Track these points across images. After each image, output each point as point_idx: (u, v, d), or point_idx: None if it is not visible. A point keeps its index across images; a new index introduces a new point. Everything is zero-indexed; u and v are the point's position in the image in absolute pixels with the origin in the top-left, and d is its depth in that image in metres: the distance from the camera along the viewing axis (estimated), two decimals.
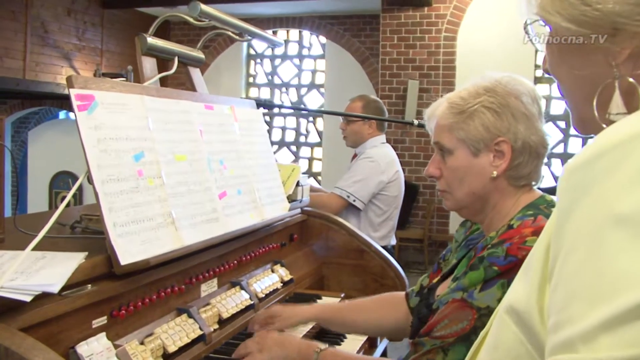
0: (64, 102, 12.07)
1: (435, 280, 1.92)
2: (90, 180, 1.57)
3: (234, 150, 2.27)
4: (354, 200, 3.94)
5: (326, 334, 2.25)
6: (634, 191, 0.71)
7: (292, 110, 12.48)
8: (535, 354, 0.83)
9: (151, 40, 2.06)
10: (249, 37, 2.53)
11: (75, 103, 1.57)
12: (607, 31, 0.88)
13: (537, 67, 9.86)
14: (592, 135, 0.99)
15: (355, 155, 4.27)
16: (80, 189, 10.81)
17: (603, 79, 0.91)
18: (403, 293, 2.15)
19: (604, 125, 0.90)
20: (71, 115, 13.37)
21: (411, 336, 1.86)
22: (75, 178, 13.01)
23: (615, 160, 0.74)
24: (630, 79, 0.89)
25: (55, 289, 1.32)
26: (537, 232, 1.47)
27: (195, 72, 2.37)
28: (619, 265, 0.69)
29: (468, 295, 1.51)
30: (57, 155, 12.89)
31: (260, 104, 2.66)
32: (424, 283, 2.05)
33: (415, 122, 3.27)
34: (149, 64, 2.06)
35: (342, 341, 2.22)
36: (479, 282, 1.50)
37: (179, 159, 1.91)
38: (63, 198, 13.15)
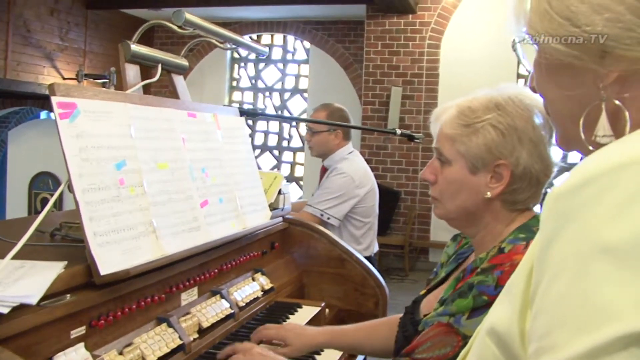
0: (46, 102, 11.96)
1: (422, 293, 1.89)
2: (70, 189, 1.56)
3: (216, 158, 2.26)
4: (328, 218, 3.84)
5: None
6: (621, 221, 0.71)
7: (256, 116, 12.44)
8: None
9: (135, 47, 2.05)
10: (234, 46, 2.53)
11: (57, 111, 1.56)
12: (595, 53, 0.88)
13: (519, 75, 9.93)
14: (575, 151, 0.99)
15: (324, 169, 4.17)
16: (61, 192, 10.72)
17: (590, 100, 0.91)
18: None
19: (590, 147, 0.91)
20: (52, 115, 13.23)
21: (394, 353, 1.84)
22: (55, 179, 12.92)
23: (602, 189, 0.74)
24: (617, 102, 0.88)
25: (33, 300, 1.30)
26: None
27: (178, 80, 2.36)
28: (603, 295, 0.69)
29: (455, 320, 1.48)
30: (38, 156, 12.79)
31: (243, 112, 2.65)
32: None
33: (398, 131, 3.27)
34: (132, 71, 2.05)
35: (319, 354, 2.18)
36: (467, 309, 1.46)
37: (160, 167, 1.90)
38: (43, 199, 13.06)
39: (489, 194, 1.59)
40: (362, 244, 4.00)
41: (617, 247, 0.70)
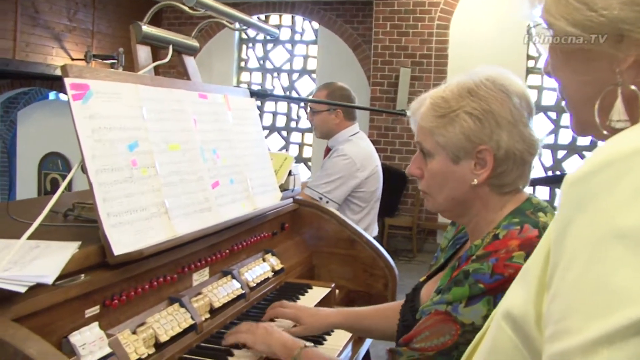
0: (54, 82, 12.03)
1: (422, 280, 1.88)
2: (84, 169, 1.57)
3: (227, 139, 2.27)
4: (327, 202, 3.72)
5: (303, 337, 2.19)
6: (636, 206, 0.71)
7: (266, 97, 12.40)
8: (530, 358, 0.84)
9: (146, 28, 2.05)
10: (244, 27, 2.52)
11: (70, 92, 1.57)
12: (612, 37, 0.88)
13: (529, 57, 9.89)
14: (588, 135, 0.99)
15: (327, 149, 4.08)
16: (69, 171, 10.77)
17: (606, 85, 0.91)
18: None
19: (605, 132, 0.91)
20: (61, 96, 13.34)
21: (396, 341, 1.81)
22: (64, 159, 12.97)
23: (616, 175, 0.74)
24: (633, 87, 0.88)
25: (49, 280, 1.32)
26: (524, 246, 1.43)
27: (189, 61, 2.36)
28: (618, 280, 0.70)
29: (452, 308, 1.46)
30: (47, 136, 12.84)
31: (253, 92, 2.65)
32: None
33: (408, 112, 3.25)
34: (143, 53, 2.05)
35: (325, 340, 2.18)
36: (464, 298, 1.44)
37: (172, 149, 1.91)
38: (52, 180, 13.12)
39: (475, 181, 1.58)
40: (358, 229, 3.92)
41: (632, 232, 0.70)
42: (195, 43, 2.37)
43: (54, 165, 13.26)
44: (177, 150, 1.92)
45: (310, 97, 3.96)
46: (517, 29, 9.88)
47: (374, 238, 3.93)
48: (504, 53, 9.61)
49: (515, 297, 0.89)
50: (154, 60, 2.12)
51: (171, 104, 1.97)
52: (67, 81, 1.57)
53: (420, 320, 1.53)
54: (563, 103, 1.03)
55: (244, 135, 2.42)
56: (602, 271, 0.71)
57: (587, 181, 0.76)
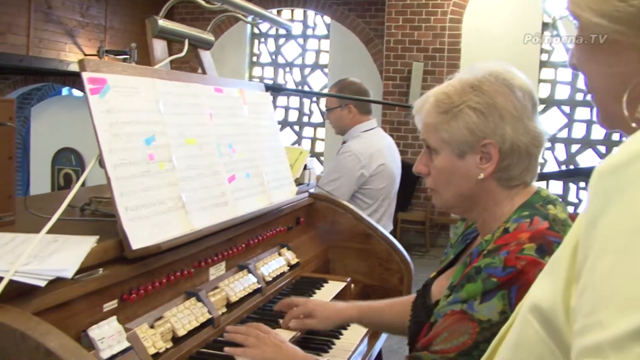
0: (67, 78, 12.05)
1: (432, 276, 1.87)
2: (101, 164, 1.57)
3: (242, 133, 2.27)
4: None
5: (312, 340, 2.15)
6: None
7: (281, 92, 12.37)
8: (559, 354, 0.82)
9: (162, 22, 2.05)
10: (260, 21, 2.52)
11: (87, 87, 1.57)
12: None
13: (542, 50, 9.84)
14: (616, 130, 0.98)
15: (343, 144, 4.07)
16: (82, 167, 10.79)
17: (634, 77, 0.89)
18: None
19: (633, 125, 0.89)
20: (74, 91, 13.39)
21: (409, 341, 1.81)
22: (77, 155, 13.02)
23: None
24: None
25: (69, 274, 1.32)
26: (534, 238, 1.42)
27: (205, 55, 2.36)
28: None
29: (468, 306, 1.44)
30: (60, 132, 12.88)
31: (268, 87, 2.64)
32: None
33: (412, 110, 3.23)
34: (159, 47, 2.05)
35: (331, 348, 2.12)
36: (478, 294, 1.42)
37: (188, 143, 1.90)
38: (65, 175, 13.17)
39: (481, 175, 1.57)
40: None
41: None
42: (211, 37, 2.36)
43: (67, 161, 13.31)
44: (193, 144, 1.92)
45: (325, 92, 3.97)
46: (531, 22, 9.86)
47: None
48: (517, 46, 9.57)
49: (543, 290, 0.87)
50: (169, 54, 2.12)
51: (187, 98, 1.97)
52: (85, 75, 1.57)
53: (437, 323, 1.51)
54: (590, 97, 1.01)
55: (260, 129, 2.41)
56: (633, 264, 0.69)
57: (617, 173, 0.75)
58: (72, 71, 10.46)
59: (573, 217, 1.54)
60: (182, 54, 2.12)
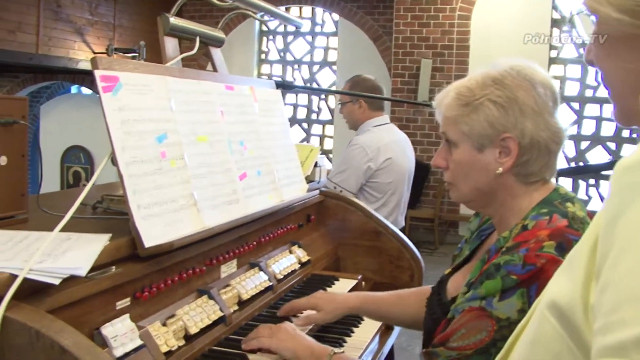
0: (76, 76, 12.10)
1: (447, 272, 1.86)
2: (114, 161, 1.57)
3: (253, 131, 2.27)
4: (341, 191, 3.77)
5: (327, 333, 2.14)
6: None
7: (292, 89, 12.32)
8: (577, 351, 0.81)
9: (174, 20, 2.05)
10: (271, 18, 2.51)
11: (100, 85, 1.57)
12: None
13: (552, 47, 9.80)
14: (633, 126, 0.97)
15: None
16: (91, 165, 10.78)
17: None
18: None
19: None
20: (83, 90, 13.42)
21: (424, 338, 1.80)
22: (86, 152, 13.06)
23: None
24: None
25: (82, 272, 1.32)
26: (554, 236, 1.41)
27: (216, 53, 2.36)
28: None
29: (487, 303, 1.42)
30: (69, 130, 12.92)
31: (279, 84, 2.64)
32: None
33: (434, 103, 3.24)
34: (171, 44, 2.05)
35: (345, 342, 2.12)
36: (497, 291, 1.41)
37: (200, 140, 1.90)
38: (74, 173, 13.21)
39: (500, 170, 1.56)
40: None
41: None
42: (221, 35, 2.36)
43: (76, 159, 13.35)
44: (205, 141, 1.92)
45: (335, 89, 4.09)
46: (540, 18, 9.82)
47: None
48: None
49: (560, 287, 0.86)
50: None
51: (199, 96, 1.97)
52: (97, 73, 1.57)
53: (455, 319, 1.50)
54: (607, 93, 1.00)
55: (270, 127, 2.41)
56: None
57: (639, 169, 0.74)
58: (81, 69, 10.51)
59: (591, 215, 1.53)
60: (194, 52, 2.12)
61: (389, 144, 3.97)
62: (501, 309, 1.40)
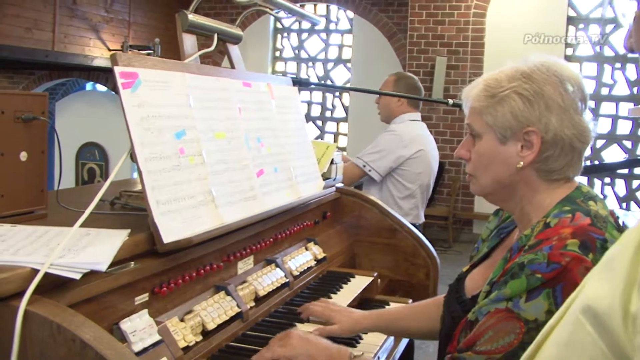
0: (92, 73, 12.16)
1: (464, 270, 1.84)
2: (133, 157, 1.57)
3: (270, 127, 2.27)
4: (370, 170, 3.92)
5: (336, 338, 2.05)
6: None
7: (308, 86, 12.27)
8: (613, 359, 0.78)
9: (192, 17, 2.05)
10: (289, 15, 2.51)
11: (119, 81, 1.57)
12: None
13: (567, 45, 9.74)
14: None
15: None
16: (106, 162, 10.83)
17: None
18: None
19: None
20: (98, 87, 13.48)
21: (442, 335, 1.78)
22: (101, 149, 13.12)
23: None
24: None
25: (103, 267, 1.33)
26: (577, 234, 1.38)
27: (233, 49, 2.36)
28: None
29: (513, 305, 1.39)
30: (84, 127, 12.98)
31: (295, 81, 2.64)
32: None
33: (450, 101, 3.25)
34: (189, 41, 2.05)
35: (358, 342, 2.08)
36: (522, 291, 1.38)
37: (218, 137, 1.91)
38: (90, 169, 13.27)
39: (521, 164, 1.55)
40: (402, 209, 4.02)
41: None
42: (239, 32, 2.36)
43: (91, 155, 13.41)
44: (222, 138, 1.93)
45: (377, 85, 4.18)
46: (555, 16, 9.77)
47: (419, 226, 4.00)
48: (542, 40, 9.51)
49: (597, 291, 0.82)
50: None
51: (217, 93, 1.98)
52: (117, 69, 1.58)
53: (480, 321, 1.46)
54: None
55: (287, 124, 2.41)
56: None
57: None
58: (96, 66, 10.56)
59: (613, 214, 1.51)
60: (212, 49, 2.13)
61: (422, 136, 4.12)
62: (529, 310, 1.37)
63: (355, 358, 1.64)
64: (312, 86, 3.13)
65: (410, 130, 4.08)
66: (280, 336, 1.74)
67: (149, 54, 9.96)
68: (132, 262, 1.53)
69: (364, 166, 3.93)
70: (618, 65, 9.77)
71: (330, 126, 12.39)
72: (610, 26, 9.77)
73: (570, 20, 9.83)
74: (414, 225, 3.96)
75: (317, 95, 12.38)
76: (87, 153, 13.39)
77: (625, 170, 9.93)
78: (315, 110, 12.43)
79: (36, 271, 1.24)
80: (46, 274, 1.25)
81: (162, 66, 1.76)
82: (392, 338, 2.21)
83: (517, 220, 1.66)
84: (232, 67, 2.34)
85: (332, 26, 12.33)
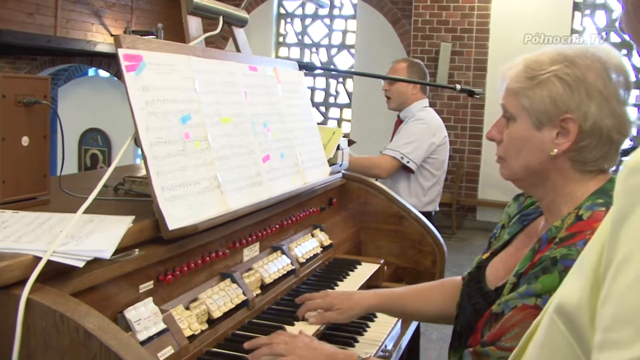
0: (94, 59, 12.12)
1: (485, 257, 1.79)
2: (137, 142, 1.53)
3: (276, 112, 2.23)
4: (408, 162, 3.91)
5: (336, 335, 2.01)
6: None
7: (321, 71, 12.24)
8: (583, 357, 0.77)
9: None
10: None
11: (123, 63, 1.53)
12: None
13: (573, 31, 9.67)
14: None
15: (399, 120, 4.20)
16: (109, 148, 10.82)
17: None
18: (459, 277, 1.98)
19: None
20: (100, 72, 13.44)
21: (461, 326, 1.73)
22: (104, 135, 13.10)
23: None
24: None
25: (107, 254, 1.29)
26: None
27: (239, 33, 2.31)
28: None
29: (543, 302, 1.35)
30: (86, 112, 12.97)
31: (302, 65, 2.60)
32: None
33: (458, 87, 3.20)
34: (194, 24, 2.01)
35: (357, 341, 1.98)
36: (554, 288, 1.32)
37: (224, 122, 1.87)
38: (92, 155, 13.26)
39: (554, 151, 1.49)
40: (427, 196, 4.05)
41: None
42: (245, 14, 2.32)
43: (93, 141, 13.41)
44: (228, 123, 1.89)
45: (385, 70, 4.16)
46: (561, 3, 9.69)
47: (436, 212, 4.01)
48: (548, 26, 9.44)
49: (569, 290, 0.81)
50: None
51: (223, 76, 1.93)
52: (121, 52, 1.53)
53: (506, 316, 1.43)
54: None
55: (293, 109, 2.37)
56: None
57: None
58: (98, 51, 10.51)
59: None
60: (217, 31, 2.08)
61: (442, 124, 4.16)
62: None
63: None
64: (318, 71, 3.08)
65: (434, 117, 4.11)
66: (288, 340, 1.63)
67: None
68: (137, 250, 1.49)
69: (402, 158, 3.91)
70: (624, 51, 9.70)
71: (334, 112, 12.35)
72: (616, 13, 9.69)
73: (576, 6, 9.76)
74: (431, 213, 3.98)
75: (320, 81, 12.33)
76: (90, 139, 13.38)
77: (628, 158, 9.88)
78: (319, 96, 12.38)
79: (39, 259, 1.21)
80: (49, 262, 1.21)
81: (167, 49, 1.72)
82: (399, 326, 2.18)
83: (545, 208, 1.60)
84: (238, 50, 2.30)
85: (335, 11, 12.27)
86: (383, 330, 2.08)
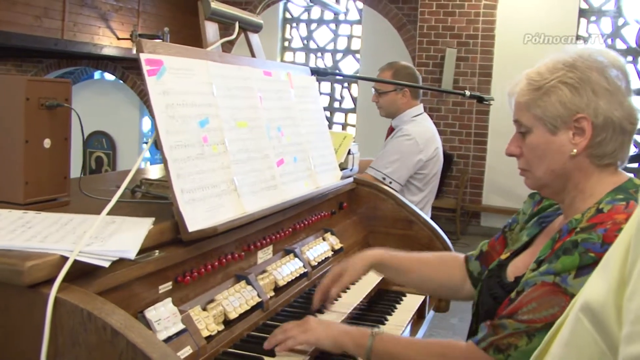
0: (100, 62, 12.16)
1: (504, 257, 1.85)
2: (157, 145, 1.56)
3: (290, 117, 2.26)
4: (390, 182, 3.65)
5: (365, 319, 2.15)
6: None
7: (334, 76, 12.25)
8: (610, 355, 0.79)
9: (215, 5, 2.04)
10: (311, 4, 2.50)
11: (145, 68, 1.56)
12: None
13: (579, 37, 9.69)
14: None
15: (391, 129, 4.01)
16: (114, 150, 10.82)
17: None
18: (463, 255, 2.11)
19: None
20: (106, 75, 13.48)
21: (480, 314, 1.79)
22: (109, 138, 13.13)
23: None
24: None
25: (131, 255, 1.32)
26: None
27: (254, 38, 2.35)
28: None
29: (561, 279, 1.42)
30: (92, 115, 12.98)
31: (314, 71, 2.63)
32: (483, 248, 2.05)
33: (467, 93, 3.22)
34: (211, 29, 2.04)
35: (385, 322, 2.12)
36: (573, 267, 1.41)
37: (240, 126, 1.90)
38: (97, 158, 13.29)
39: (574, 151, 1.57)
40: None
41: None
42: (260, 20, 2.35)
43: (98, 144, 13.43)
44: (244, 127, 1.92)
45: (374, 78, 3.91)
46: (567, 8, 9.72)
47: None
48: (554, 33, 9.47)
49: (595, 289, 0.84)
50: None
51: (239, 81, 1.97)
52: (142, 57, 1.57)
53: (525, 292, 1.50)
54: None
55: (306, 113, 2.40)
56: None
57: None
58: (105, 55, 10.55)
59: None
60: (233, 37, 2.12)
61: (434, 135, 3.89)
62: (576, 286, 1.39)
63: (376, 334, 1.68)
64: (330, 76, 3.09)
65: (423, 130, 3.84)
66: (299, 323, 1.76)
67: None
68: (157, 251, 1.52)
69: (384, 179, 3.66)
70: (630, 58, 9.73)
71: (339, 117, 12.37)
72: (622, 19, 9.72)
73: (582, 13, 9.78)
74: None
75: (325, 86, 12.34)
76: (95, 142, 13.41)
77: (635, 165, 9.92)
78: (324, 101, 12.39)
79: (65, 258, 1.24)
80: (75, 262, 1.24)
81: (186, 54, 1.75)
82: (409, 328, 2.21)
83: (566, 207, 1.67)
84: (253, 55, 2.33)
85: (341, 17, 12.28)
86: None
